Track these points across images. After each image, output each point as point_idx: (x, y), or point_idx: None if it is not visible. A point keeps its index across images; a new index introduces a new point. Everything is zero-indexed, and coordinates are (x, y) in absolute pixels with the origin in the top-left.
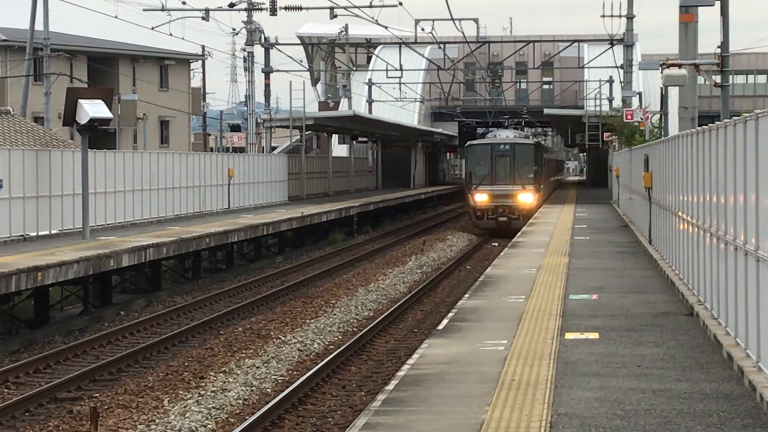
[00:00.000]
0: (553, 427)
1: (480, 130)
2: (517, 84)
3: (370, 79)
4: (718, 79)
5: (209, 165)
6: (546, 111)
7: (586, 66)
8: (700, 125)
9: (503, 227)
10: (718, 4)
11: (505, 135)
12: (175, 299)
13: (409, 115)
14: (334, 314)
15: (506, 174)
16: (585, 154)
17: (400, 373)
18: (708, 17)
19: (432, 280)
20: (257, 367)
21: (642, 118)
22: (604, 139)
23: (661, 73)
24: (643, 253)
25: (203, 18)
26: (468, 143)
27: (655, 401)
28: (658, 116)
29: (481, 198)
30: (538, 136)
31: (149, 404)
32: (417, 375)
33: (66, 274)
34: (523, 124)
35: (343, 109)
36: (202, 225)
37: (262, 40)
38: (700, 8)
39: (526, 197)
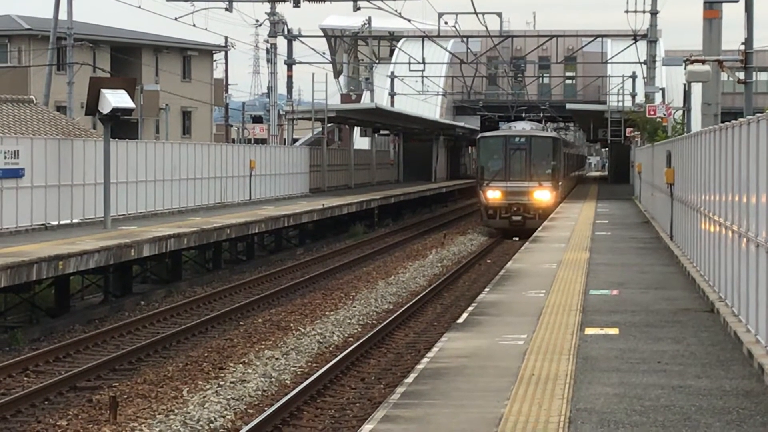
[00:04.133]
0: (571, 422)
1: (502, 125)
2: (540, 78)
3: (392, 72)
4: (741, 75)
5: (231, 156)
6: (568, 106)
7: (609, 61)
8: (723, 122)
9: (517, 227)
10: (742, 0)
11: (521, 127)
12: (195, 290)
13: (431, 109)
14: (354, 306)
15: (521, 169)
16: (607, 149)
17: (420, 366)
18: (732, 14)
19: (452, 273)
20: (276, 359)
21: (665, 114)
22: (627, 134)
23: (685, 69)
24: (665, 249)
25: (227, 9)
26: (480, 135)
27: (674, 397)
28: (681, 112)
29: (493, 195)
30: (560, 131)
31: (168, 394)
32: (436, 368)
33: (87, 264)
34: (541, 116)
35: (366, 101)
36: (224, 216)
37: (285, 32)
38: (724, 5)
39: (542, 195)
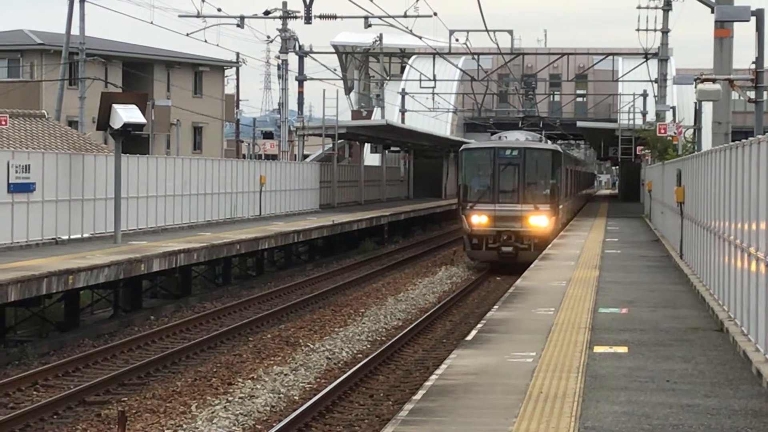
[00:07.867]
0: None
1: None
2: (551, 96)
3: (403, 89)
4: (752, 94)
5: (241, 172)
6: (579, 123)
7: (620, 79)
8: (733, 140)
9: (507, 260)
10: (753, 19)
11: (514, 137)
12: (204, 305)
13: (442, 126)
14: (363, 323)
15: (513, 189)
16: (617, 167)
17: (428, 383)
18: (743, 33)
19: (462, 290)
20: (285, 375)
21: (675, 133)
22: (637, 152)
23: (696, 87)
24: (674, 267)
25: (238, 25)
26: (463, 147)
27: (682, 416)
28: (691, 131)
29: (478, 221)
30: (571, 148)
31: (177, 409)
32: (445, 385)
33: (97, 278)
34: (540, 125)
35: (376, 118)
36: (233, 231)
37: (297, 48)
38: (735, 24)
39: (539, 220)
